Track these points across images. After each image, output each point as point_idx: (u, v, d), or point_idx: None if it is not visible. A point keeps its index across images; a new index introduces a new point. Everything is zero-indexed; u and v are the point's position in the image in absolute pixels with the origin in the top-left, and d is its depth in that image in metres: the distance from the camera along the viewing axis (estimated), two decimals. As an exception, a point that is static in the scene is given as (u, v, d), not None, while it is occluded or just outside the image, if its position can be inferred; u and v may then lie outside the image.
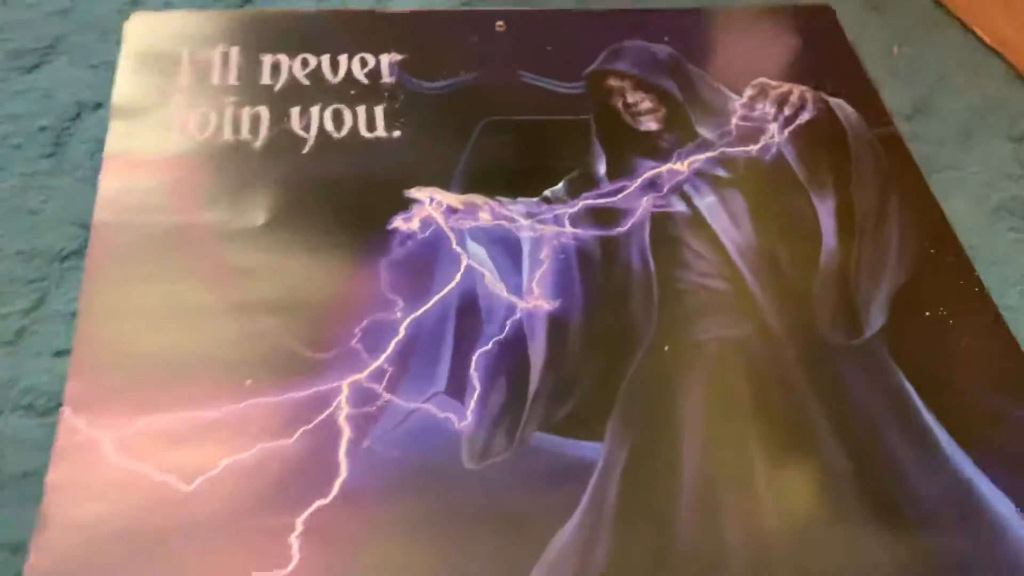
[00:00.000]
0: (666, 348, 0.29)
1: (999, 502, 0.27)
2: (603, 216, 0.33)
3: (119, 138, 0.33)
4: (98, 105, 0.34)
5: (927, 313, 0.31)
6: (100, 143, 0.33)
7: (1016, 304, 0.32)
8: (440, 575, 0.24)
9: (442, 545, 0.24)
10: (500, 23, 0.39)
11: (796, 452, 0.27)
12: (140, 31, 0.36)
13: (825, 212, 0.34)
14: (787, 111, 0.37)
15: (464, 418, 0.27)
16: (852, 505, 0.26)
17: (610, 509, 0.25)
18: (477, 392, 0.28)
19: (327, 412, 0.27)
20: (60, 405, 0.26)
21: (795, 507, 0.26)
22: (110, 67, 0.35)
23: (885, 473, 0.27)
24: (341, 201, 0.32)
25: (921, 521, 0.26)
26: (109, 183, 0.31)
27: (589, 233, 0.32)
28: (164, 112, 0.34)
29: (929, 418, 0.29)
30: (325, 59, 0.37)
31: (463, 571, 0.24)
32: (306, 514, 0.25)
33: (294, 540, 0.24)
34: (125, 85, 0.34)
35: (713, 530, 0.25)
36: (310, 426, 0.26)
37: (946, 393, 0.29)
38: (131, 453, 0.25)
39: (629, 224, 0.33)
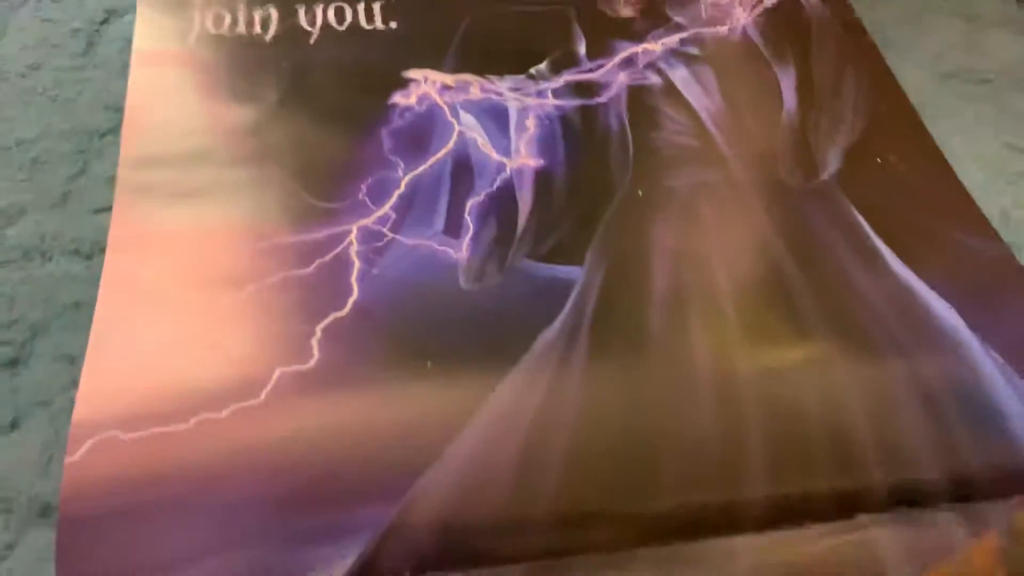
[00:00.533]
0: (640, 192, 0.33)
1: (943, 310, 0.30)
2: (583, 89, 0.36)
3: (145, 36, 0.36)
4: (125, 11, 0.38)
5: (878, 159, 0.34)
6: (128, 42, 0.36)
7: (960, 151, 0.35)
8: (440, 366, 0.27)
9: (441, 343, 0.28)
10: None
11: (757, 271, 0.31)
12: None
13: (787, 81, 0.37)
14: (753, -2, 0.40)
15: (460, 251, 0.31)
16: (810, 316, 0.30)
17: (589, 313, 0.29)
18: (471, 231, 0.31)
19: (340, 248, 0.30)
20: (103, 251, 0.30)
21: (757, 317, 0.30)
22: (134, -21, 0.39)
23: (840, 289, 0.30)
24: (345, 82, 0.36)
25: (873, 331, 0.29)
26: (138, 72, 0.35)
27: (571, 103, 0.36)
28: (184, 14, 0.37)
29: (879, 243, 0.32)
30: (327, -35, 0.40)
31: (459, 361, 0.27)
32: (324, 323, 0.28)
33: (314, 342, 0.28)
34: (148, -9, 0.38)
35: (681, 331, 0.29)
36: (325, 259, 0.30)
37: (894, 222, 0.32)
38: (168, 282, 0.29)
39: (607, 95, 0.36)
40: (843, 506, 0.26)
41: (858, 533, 0.26)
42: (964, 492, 0.27)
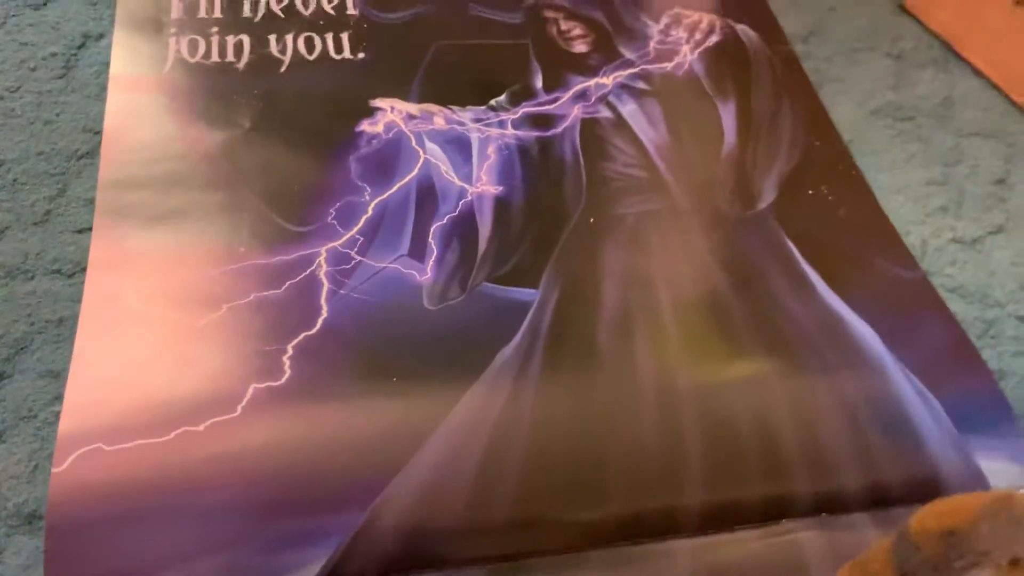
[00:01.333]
0: (591, 220, 0.35)
1: (865, 332, 0.33)
2: (540, 121, 0.39)
3: (122, 61, 0.38)
4: (101, 36, 0.39)
5: (810, 191, 0.37)
6: (105, 66, 0.38)
7: (886, 184, 0.38)
8: (405, 381, 0.29)
9: (406, 360, 0.30)
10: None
11: (698, 294, 0.33)
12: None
13: (727, 116, 0.40)
14: (698, 36, 0.43)
15: (424, 273, 0.33)
16: (745, 336, 0.32)
17: (544, 332, 0.31)
18: (435, 254, 0.33)
19: (309, 269, 0.32)
20: (84, 270, 0.31)
21: (696, 336, 0.32)
22: (110, 3, 0.40)
23: (772, 311, 0.33)
24: (315, 110, 0.38)
25: (801, 350, 0.32)
26: (116, 97, 0.36)
27: (528, 134, 0.38)
28: (159, 40, 0.39)
29: (808, 269, 0.35)
30: (297, -4, 0.42)
31: (423, 377, 0.30)
32: (295, 341, 0.30)
33: (286, 360, 0.30)
34: (125, 18, 0.39)
35: (627, 349, 0.31)
36: (296, 280, 0.32)
37: (823, 250, 0.35)
38: (147, 301, 0.31)
39: (562, 127, 0.39)
40: (771, 512, 0.29)
41: (784, 536, 0.28)
42: (880, 499, 0.29)
